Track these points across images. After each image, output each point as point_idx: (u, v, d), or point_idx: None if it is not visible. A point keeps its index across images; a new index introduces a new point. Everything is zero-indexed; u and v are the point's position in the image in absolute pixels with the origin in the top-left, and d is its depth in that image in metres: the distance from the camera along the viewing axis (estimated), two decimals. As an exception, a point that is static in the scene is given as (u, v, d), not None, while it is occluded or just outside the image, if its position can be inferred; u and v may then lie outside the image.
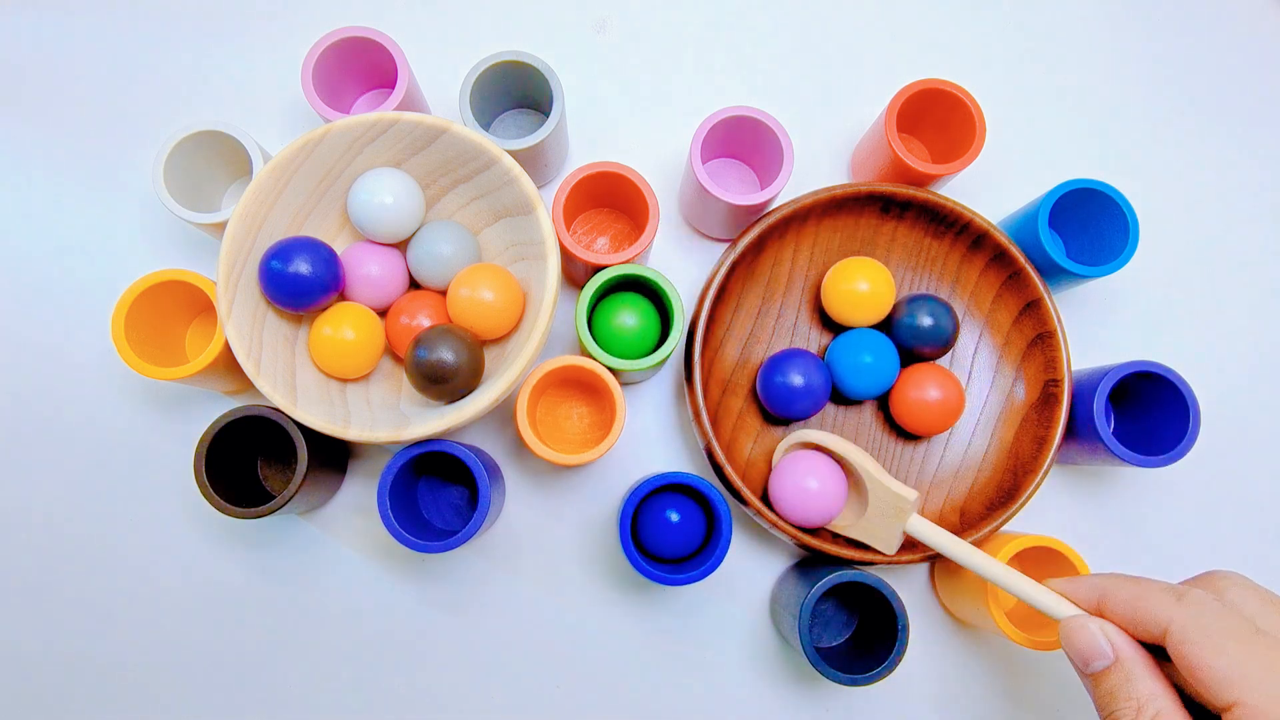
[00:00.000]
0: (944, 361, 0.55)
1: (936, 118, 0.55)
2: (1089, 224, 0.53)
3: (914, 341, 0.52)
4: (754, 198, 0.50)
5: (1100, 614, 0.36)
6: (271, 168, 0.46)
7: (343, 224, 0.50)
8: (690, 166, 0.51)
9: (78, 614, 0.53)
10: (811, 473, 0.49)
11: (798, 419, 0.53)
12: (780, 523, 0.50)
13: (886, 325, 0.53)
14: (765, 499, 0.51)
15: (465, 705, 0.53)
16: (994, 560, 0.43)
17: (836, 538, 0.51)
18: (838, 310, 0.52)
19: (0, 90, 0.58)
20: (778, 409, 0.51)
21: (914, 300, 0.52)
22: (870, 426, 0.54)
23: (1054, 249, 0.51)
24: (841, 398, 0.54)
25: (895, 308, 0.53)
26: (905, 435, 0.54)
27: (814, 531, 0.50)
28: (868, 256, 0.55)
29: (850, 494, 0.50)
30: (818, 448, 0.50)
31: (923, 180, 0.53)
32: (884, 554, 0.49)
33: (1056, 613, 0.38)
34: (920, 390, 0.51)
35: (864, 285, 0.51)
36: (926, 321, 0.51)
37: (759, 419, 0.54)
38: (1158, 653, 0.34)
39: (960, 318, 0.55)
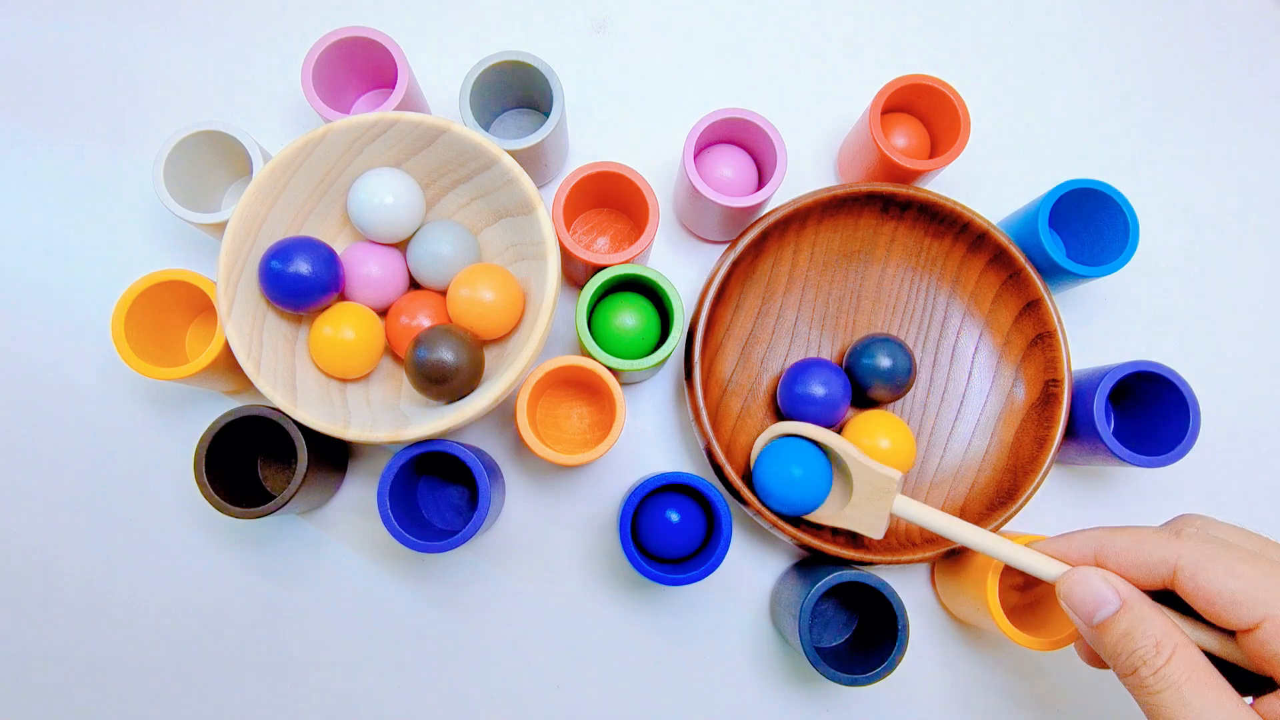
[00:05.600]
0: (944, 361, 0.55)
1: (922, 113, 0.55)
2: (1089, 224, 0.53)
3: (872, 380, 0.52)
4: (747, 200, 0.50)
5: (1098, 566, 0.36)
6: (271, 168, 0.46)
7: (343, 224, 0.50)
8: (683, 169, 0.51)
9: (77, 614, 0.53)
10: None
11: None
12: (780, 523, 0.50)
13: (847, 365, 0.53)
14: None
15: (465, 705, 0.53)
16: (982, 530, 0.42)
17: (836, 534, 0.51)
18: None
19: (0, 90, 0.58)
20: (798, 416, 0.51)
21: (874, 341, 0.52)
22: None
23: (1054, 249, 0.51)
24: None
25: (854, 348, 0.53)
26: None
27: (817, 527, 0.50)
28: (867, 256, 0.55)
29: (834, 485, 0.49)
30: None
31: (910, 176, 0.53)
32: (874, 539, 0.48)
33: (1052, 575, 0.37)
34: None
35: (885, 442, 0.51)
36: (885, 363, 0.51)
37: (759, 419, 0.54)
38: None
39: (961, 318, 0.55)
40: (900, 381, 0.51)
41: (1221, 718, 0.30)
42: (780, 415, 0.54)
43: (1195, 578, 0.32)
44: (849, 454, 0.47)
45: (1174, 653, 0.32)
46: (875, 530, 0.48)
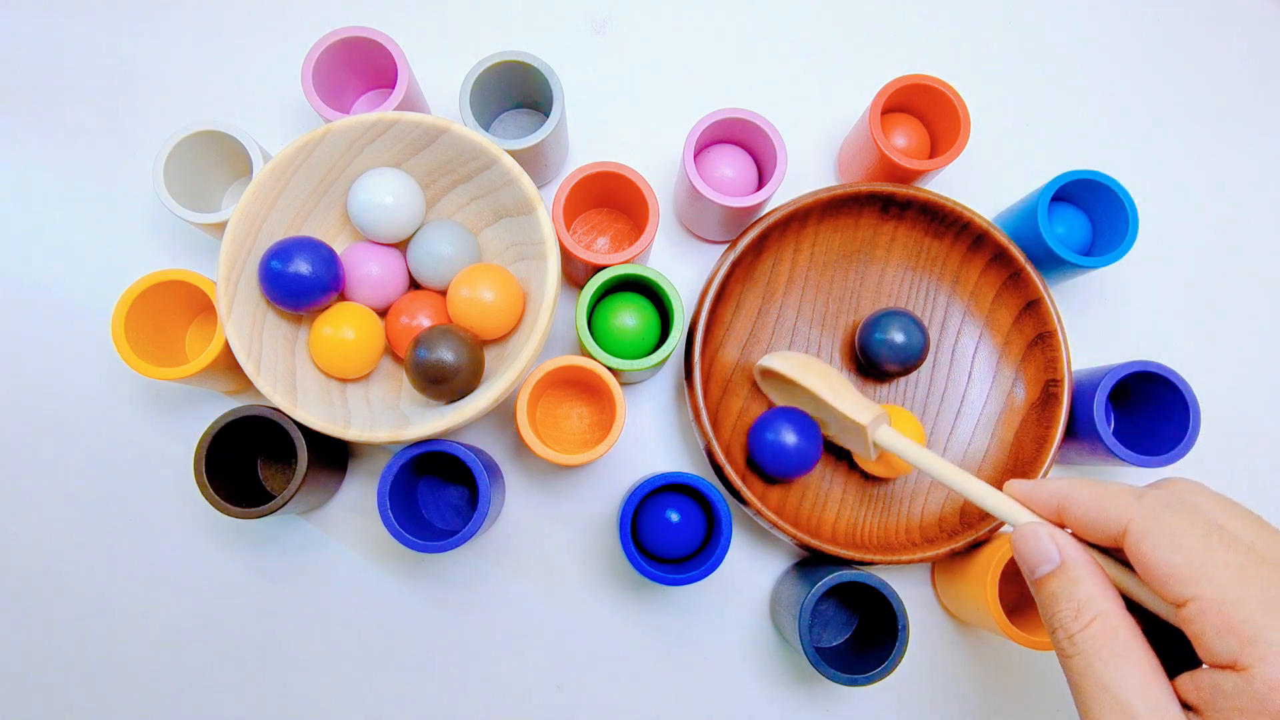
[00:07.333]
0: (944, 361, 0.55)
1: (922, 113, 0.55)
2: (1089, 218, 0.53)
3: (884, 355, 0.51)
4: (747, 200, 0.50)
5: (1059, 519, 0.35)
6: (271, 168, 0.46)
7: (343, 224, 0.50)
8: (683, 169, 0.51)
9: (77, 613, 0.53)
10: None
11: (792, 478, 0.51)
12: (780, 523, 0.50)
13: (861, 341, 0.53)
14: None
15: (465, 705, 0.53)
16: (957, 469, 0.42)
17: (836, 533, 0.51)
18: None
19: (0, 90, 0.58)
20: (773, 470, 0.50)
21: (885, 315, 0.52)
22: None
23: (1052, 237, 0.51)
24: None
25: (866, 323, 0.53)
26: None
27: (803, 544, 0.51)
28: (867, 256, 0.55)
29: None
30: (776, 375, 0.51)
31: (910, 176, 0.53)
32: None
33: (1015, 520, 0.36)
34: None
35: None
36: (898, 338, 0.51)
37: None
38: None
39: (961, 318, 0.55)
40: (912, 357, 0.51)
41: (1126, 690, 0.29)
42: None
43: (1140, 544, 0.31)
44: (825, 400, 0.48)
45: (1093, 620, 0.31)
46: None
